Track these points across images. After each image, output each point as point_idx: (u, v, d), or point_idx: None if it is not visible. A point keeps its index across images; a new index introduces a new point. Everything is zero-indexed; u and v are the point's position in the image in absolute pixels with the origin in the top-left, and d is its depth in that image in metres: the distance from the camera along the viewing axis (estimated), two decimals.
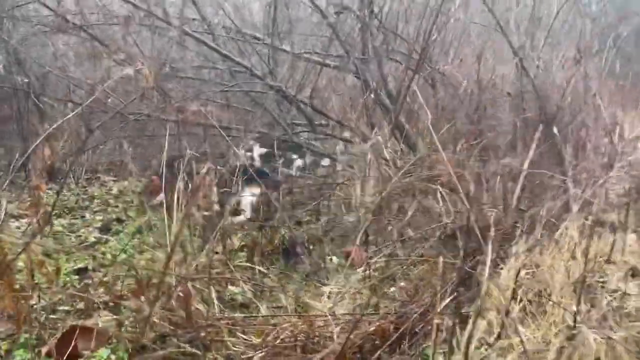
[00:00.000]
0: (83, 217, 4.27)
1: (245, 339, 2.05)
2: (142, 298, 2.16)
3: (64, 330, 2.17)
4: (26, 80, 4.62)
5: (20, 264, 2.67)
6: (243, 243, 3.27)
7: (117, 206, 4.52)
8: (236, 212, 3.61)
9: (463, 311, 2.08)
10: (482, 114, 4.99)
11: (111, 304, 2.57)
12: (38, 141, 1.98)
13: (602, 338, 1.99)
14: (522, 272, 2.49)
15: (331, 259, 3.09)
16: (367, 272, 2.71)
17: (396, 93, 4.46)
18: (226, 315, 2.23)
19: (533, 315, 2.35)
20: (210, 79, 4.85)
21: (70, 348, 2.09)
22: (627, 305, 2.38)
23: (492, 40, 5.73)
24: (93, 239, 3.71)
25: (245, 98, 4.64)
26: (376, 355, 1.86)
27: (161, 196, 3.74)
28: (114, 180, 5.44)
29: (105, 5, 4.02)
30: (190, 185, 2.29)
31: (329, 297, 2.45)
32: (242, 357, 1.94)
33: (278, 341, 2.00)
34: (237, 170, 3.56)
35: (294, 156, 4.88)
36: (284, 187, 3.91)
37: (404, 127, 4.38)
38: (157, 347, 2.08)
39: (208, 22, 4.05)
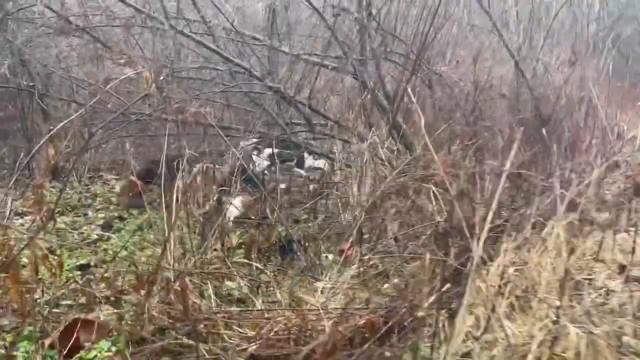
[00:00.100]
0: (85, 214, 4.35)
1: (241, 332, 2.14)
2: (142, 293, 2.25)
3: (67, 324, 2.26)
4: (31, 82, 4.71)
5: (25, 259, 2.77)
6: (241, 240, 3.35)
7: (118, 204, 4.60)
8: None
9: (451, 306, 2.15)
10: (478, 114, 5.06)
11: (112, 298, 2.66)
12: (42, 141, 2.05)
13: (583, 333, 2.07)
14: (511, 270, 2.58)
15: (326, 256, 3.17)
16: (361, 268, 2.79)
17: (393, 94, 4.54)
18: (222, 309, 2.31)
19: (521, 310, 2.43)
20: (211, 78, 4.93)
21: (72, 340, 2.18)
22: (610, 301, 2.45)
23: (489, 41, 5.81)
24: (95, 236, 3.79)
25: (245, 98, 4.73)
26: (365, 347, 1.94)
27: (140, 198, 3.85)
28: (116, 179, 5.53)
29: (108, 7, 4.10)
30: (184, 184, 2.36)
31: (322, 292, 2.54)
32: (237, 348, 2.02)
33: (272, 334, 2.08)
34: (236, 170, 3.64)
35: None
36: (275, 190, 3.98)
37: (401, 127, 4.46)
38: (156, 339, 2.16)
39: (208, 24, 4.12)
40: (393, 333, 2.12)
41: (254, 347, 2.02)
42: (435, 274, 2.28)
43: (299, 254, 3.11)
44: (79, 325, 2.21)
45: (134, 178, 4.13)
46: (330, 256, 3.16)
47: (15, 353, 2.18)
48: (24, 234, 2.06)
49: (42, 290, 2.56)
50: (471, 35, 5.92)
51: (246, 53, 4.50)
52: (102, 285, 2.78)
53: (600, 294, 2.54)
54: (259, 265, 2.82)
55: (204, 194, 3.03)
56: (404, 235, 3.10)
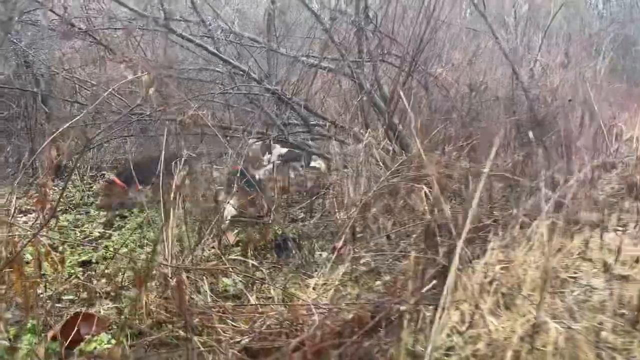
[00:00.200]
0: (87, 212, 4.46)
1: (234, 326, 2.23)
2: (141, 288, 2.34)
3: (68, 317, 2.35)
4: (34, 82, 4.81)
5: (28, 256, 2.87)
6: (238, 239, 3.45)
7: (129, 199, 4.69)
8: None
9: (437, 302, 2.23)
10: (474, 116, 5.15)
11: (112, 293, 2.76)
12: (47, 141, 2.15)
13: (562, 328, 2.15)
14: (497, 267, 2.67)
15: (320, 254, 3.26)
16: (353, 266, 2.88)
17: (389, 95, 4.62)
18: (217, 304, 2.40)
19: (505, 307, 2.52)
20: (211, 80, 5.02)
21: (74, 333, 2.27)
22: (591, 298, 2.54)
23: (486, 44, 5.89)
24: (97, 234, 3.89)
25: (244, 99, 4.81)
26: (352, 339, 2.03)
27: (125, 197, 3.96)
28: None
29: (110, 9, 4.19)
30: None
31: (314, 289, 2.63)
32: (231, 341, 2.12)
33: (264, 327, 2.18)
34: (236, 172, 3.72)
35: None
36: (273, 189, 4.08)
37: (397, 128, 4.55)
38: (153, 332, 2.26)
39: (208, 27, 4.21)
40: (380, 327, 2.20)
41: (247, 340, 2.11)
42: (423, 271, 2.36)
43: (294, 251, 3.20)
44: (79, 318, 2.30)
45: (115, 179, 4.26)
46: (324, 254, 3.25)
47: (18, 345, 2.27)
48: (28, 230, 2.15)
49: (45, 286, 2.66)
50: (468, 37, 5.99)
51: (245, 55, 4.59)
52: (103, 281, 2.88)
53: (584, 292, 2.62)
54: (254, 263, 2.91)
55: (202, 193, 3.12)
56: (395, 233, 3.19)
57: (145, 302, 2.32)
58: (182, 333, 2.16)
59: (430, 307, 2.31)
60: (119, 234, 3.85)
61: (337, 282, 2.61)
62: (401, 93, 3.85)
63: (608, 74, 8.66)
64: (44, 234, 2.37)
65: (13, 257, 1.96)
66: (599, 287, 2.62)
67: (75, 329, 2.26)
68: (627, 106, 7.73)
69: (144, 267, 2.10)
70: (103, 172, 5.80)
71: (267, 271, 2.95)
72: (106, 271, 2.93)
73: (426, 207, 3.08)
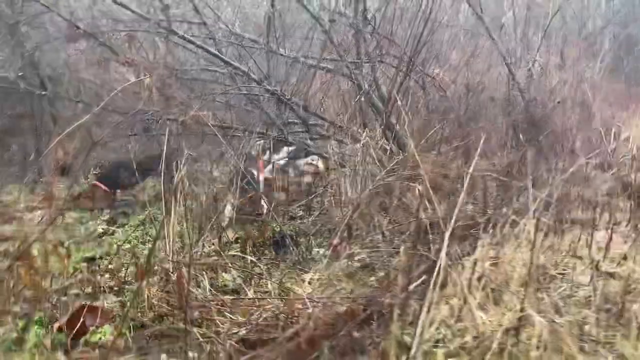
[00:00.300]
0: (91, 210, 4.55)
1: (232, 318, 2.33)
2: (143, 282, 2.45)
3: (74, 310, 2.46)
4: (40, 83, 4.91)
5: (34, 252, 2.98)
6: (237, 236, 3.55)
7: (123, 200, 4.80)
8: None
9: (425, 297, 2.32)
10: (471, 116, 5.23)
11: (116, 288, 2.87)
12: (55, 140, 2.25)
13: (546, 322, 2.24)
14: (486, 264, 2.76)
15: (318, 251, 3.36)
16: (348, 262, 2.98)
17: (387, 96, 4.71)
18: (216, 298, 2.51)
19: (494, 302, 2.61)
20: (212, 79, 5.11)
21: (79, 325, 2.38)
22: (577, 294, 2.63)
23: (483, 44, 5.95)
24: (101, 231, 4.00)
25: (245, 99, 4.91)
26: (344, 331, 2.13)
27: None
28: None
29: (110, 10, 4.29)
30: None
31: (309, 283, 2.73)
32: (229, 333, 2.22)
33: (261, 320, 2.28)
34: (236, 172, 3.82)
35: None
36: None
37: (395, 128, 4.64)
38: (155, 324, 2.36)
39: (209, 29, 4.31)
40: (372, 320, 2.30)
41: (244, 331, 2.22)
42: (410, 267, 2.46)
43: (291, 248, 3.30)
44: (84, 311, 2.41)
45: (97, 183, 4.36)
46: (321, 251, 3.34)
47: (26, 336, 2.38)
48: (37, 226, 2.25)
49: (51, 280, 2.76)
50: (465, 38, 6.07)
51: (245, 56, 4.69)
52: (107, 276, 2.99)
53: (571, 287, 2.71)
54: (252, 259, 3.01)
55: (203, 191, 3.22)
56: (390, 231, 3.28)
57: (147, 296, 2.42)
58: (182, 325, 2.26)
59: (419, 301, 2.41)
60: (122, 231, 3.95)
61: (332, 278, 2.70)
62: (396, 94, 3.93)
63: (609, 73, 8.72)
64: (51, 231, 2.47)
65: (22, 252, 2.06)
66: (585, 283, 2.70)
67: (81, 321, 2.36)
68: (627, 106, 7.77)
69: (146, 262, 2.19)
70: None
71: (265, 267, 3.04)
72: (110, 266, 3.03)
73: (419, 206, 3.16)
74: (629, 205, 4.25)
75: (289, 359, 2.02)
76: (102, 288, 2.84)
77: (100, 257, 3.42)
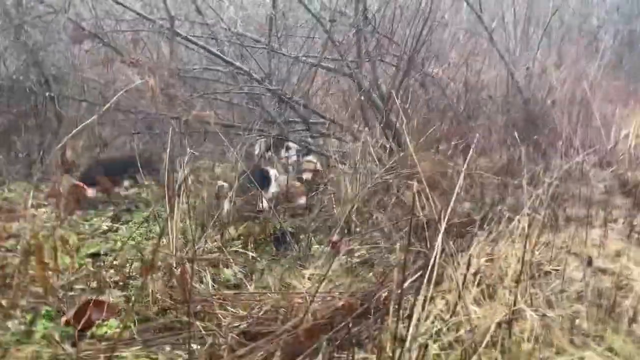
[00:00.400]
0: (96, 207, 4.64)
1: (234, 312, 2.41)
2: (147, 277, 2.52)
3: (80, 304, 2.53)
4: (44, 81, 4.99)
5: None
6: (239, 233, 3.63)
7: (126, 197, 4.88)
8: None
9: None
10: (470, 114, 5.29)
11: (120, 283, 2.95)
12: (64, 141, 2.32)
13: (538, 316, 2.31)
14: (482, 260, 2.83)
15: (318, 248, 3.43)
16: (348, 258, 3.05)
17: (387, 94, 4.77)
18: (218, 292, 2.58)
19: (489, 297, 2.68)
20: (214, 78, 5.18)
21: (85, 318, 2.45)
22: (570, 289, 2.69)
23: (483, 43, 6.00)
24: (105, 227, 4.08)
25: (246, 98, 4.98)
26: (342, 324, 2.20)
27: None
28: None
29: (117, 12, 4.36)
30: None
31: (309, 279, 2.80)
32: (230, 326, 2.29)
33: (261, 313, 2.36)
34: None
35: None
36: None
37: (394, 127, 4.70)
38: (159, 318, 2.44)
39: (211, 29, 4.37)
40: (369, 314, 2.37)
41: (245, 324, 2.29)
42: (405, 263, 2.52)
43: (292, 245, 3.38)
44: (91, 305, 2.48)
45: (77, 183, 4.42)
46: (321, 247, 3.42)
47: (34, 329, 2.46)
48: (46, 223, 2.33)
49: (57, 276, 2.84)
50: (465, 37, 6.12)
51: (247, 55, 4.75)
52: (112, 271, 3.07)
53: (564, 283, 2.77)
54: (254, 255, 3.09)
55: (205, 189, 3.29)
56: (389, 227, 3.35)
57: (152, 290, 2.50)
58: (185, 318, 2.34)
59: (415, 296, 2.48)
60: (125, 228, 4.03)
61: (331, 273, 2.77)
62: (394, 93, 3.99)
63: (610, 70, 8.73)
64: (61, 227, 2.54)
65: (36, 247, 2.13)
66: (578, 279, 2.77)
67: (87, 314, 2.43)
68: (627, 103, 7.79)
69: (151, 258, 2.27)
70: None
71: (266, 263, 3.12)
72: (114, 262, 3.11)
73: (416, 203, 3.23)
74: (626, 202, 4.31)
75: (288, 351, 2.09)
76: (107, 283, 2.91)
77: (105, 254, 3.49)
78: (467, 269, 2.52)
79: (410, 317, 2.38)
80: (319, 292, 2.40)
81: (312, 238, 3.48)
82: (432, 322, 2.40)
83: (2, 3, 4.25)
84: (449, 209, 2.07)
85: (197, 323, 2.25)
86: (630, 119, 6.88)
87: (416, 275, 2.47)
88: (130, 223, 4.16)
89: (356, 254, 3.28)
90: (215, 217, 3.13)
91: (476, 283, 2.65)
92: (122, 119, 4.23)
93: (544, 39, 7.24)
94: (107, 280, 2.93)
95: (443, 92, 5.12)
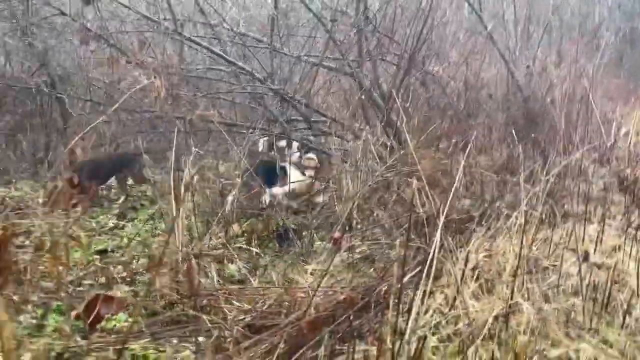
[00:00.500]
0: (101, 205, 4.71)
1: (239, 306, 2.48)
2: (155, 273, 2.60)
3: (90, 298, 2.61)
4: (50, 82, 5.06)
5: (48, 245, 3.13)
6: (243, 229, 3.70)
7: (132, 195, 4.96)
8: None
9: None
10: (470, 112, 5.35)
11: (128, 279, 3.03)
12: (75, 140, 2.39)
13: (535, 309, 2.38)
14: (480, 255, 2.89)
15: (320, 244, 3.50)
16: (348, 253, 3.12)
17: (388, 93, 4.83)
18: (223, 287, 2.66)
19: (487, 291, 2.74)
20: (217, 78, 5.25)
21: (95, 313, 2.53)
22: (566, 283, 2.76)
23: (483, 42, 6.05)
24: (111, 225, 4.15)
25: (249, 97, 5.04)
26: (344, 317, 2.27)
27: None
28: None
29: (122, 14, 4.43)
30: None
31: (311, 274, 2.87)
32: (235, 319, 2.37)
33: (265, 307, 2.43)
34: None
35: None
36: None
37: (395, 125, 4.76)
38: (166, 312, 2.52)
39: (214, 29, 4.44)
40: (370, 308, 2.44)
41: (250, 318, 2.36)
42: (405, 258, 2.59)
43: (294, 241, 3.45)
44: (100, 299, 2.56)
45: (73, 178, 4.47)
46: (323, 243, 3.49)
47: (45, 323, 2.54)
48: (57, 220, 2.40)
49: (67, 271, 2.91)
50: (465, 36, 6.16)
51: (249, 55, 4.82)
52: (119, 267, 3.15)
53: (560, 278, 2.84)
54: (257, 251, 3.16)
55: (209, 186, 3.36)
56: (389, 224, 3.42)
57: (159, 285, 2.57)
58: (191, 312, 2.41)
59: (414, 290, 2.54)
60: (131, 225, 4.11)
61: (332, 268, 2.84)
62: (395, 92, 4.05)
63: (612, 67, 8.76)
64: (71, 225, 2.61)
65: (52, 245, 2.21)
66: (575, 274, 2.83)
67: (96, 309, 2.51)
68: (628, 101, 7.82)
69: (160, 253, 2.34)
70: None
71: (269, 259, 3.19)
72: (122, 259, 3.19)
73: (416, 200, 3.29)
74: (624, 199, 4.36)
75: (292, 343, 2.16)
76: (114, 278, 2.99)
77: (112, 250, 3.57)
78: (466, 264, 2.59)
79: (409, 310, 2.46)
80: (321, 287, 2.47)
81: (315, 234, 3.55)
82: (431, 316, 2.47)
83: (9, 5, 4.32)
84: (448, 205, 2.13)
85: (204, 316, 2.32)
86: (630, 117, 6.92)
87: (416, 270, 2.53)
88: (135, 220, 4.24)
89: (357, 250, 3.35)
90: (220, 214, 3.20)
91: (474, 278, 2.72)
92: (128, 118, 4.29)
93: (544, 37, 7.28)
94: (115, 276, 3.01)
95: (443, 90, 5.18)
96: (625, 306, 2.58)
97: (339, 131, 4.77)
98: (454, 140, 4.48)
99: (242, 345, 2.15)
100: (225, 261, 3.03)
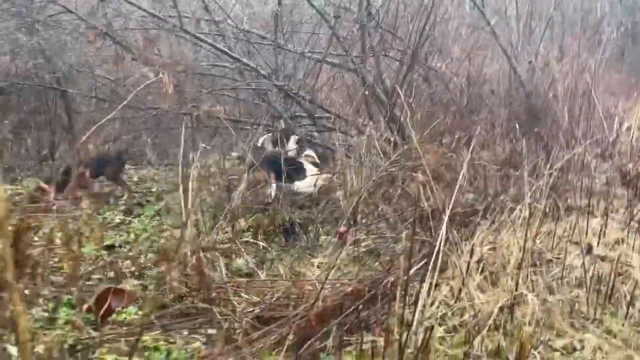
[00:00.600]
0: (108, 202, 4.75)
1: (247, 298, 2.52)
2: (164, 267, 2.63)
3: (100, 292, 2.65)
4: (55, 79, 5.09)
5: (57, 241, 3.17)
6: (249, 224, 3.74)
7: (137, 192, 5.00)
8: None
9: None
10: (473, 108, 5.37)
11: (136, 273, 3.06)
12: (86, 136, 2.43)
13: (539, 300, 2.42)
14: (485, 248, 2.92)
15: (325, 238, 3.54)
16: (354, 247, 3.16)
17: (391, 88, 4.85)
18: (232, 280, 2.69)
19: (492, 283, 2.78)
20: (222, 74, 5.27)
21: (105, 306, 2.56)
22: (570, 275, 2.79)
23: (486, 38, 6.06)
24: (118, 221, 4.19)
25: (253, 93, 5.07)
26: (351, 309, 2.30)
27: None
28: (133, 169, 5.92)
29: (127, 11, 4.45)
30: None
31: (318, 267, 2.91)
32: (244, 311, 2.40)
33: (274, 299, 2.47)
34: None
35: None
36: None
37: (399, 120, 4.78)
38: (175, 305, 2.56)
39: (219, 26, 4.47)
40: (377, 300, 2.48)
41: (259, 310, 2.40)
42: (411, 251, 2.63)
43: (300, 235, 3.48)
44: (110, 293, 2.59)
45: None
46: (329, 238, 3.52)
47: (57, 316, 2.58)
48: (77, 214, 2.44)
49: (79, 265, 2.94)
50: (468, 31, 6.18)
51: (254, 52, 4.84)
52: (127, 262, 3.18)
53: (564, 270, 2.87)
54: (264, 245, 3.20)
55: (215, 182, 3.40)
56: (394, 218, 3.45)
57: (168, 279, 2.60)
58: (200, 305, 2.45)
59: (420, 282, 2.58)
60: (138, 221, 4.14)
61: (338, 262, 2.88)
62: (398, 88, 4.08)
63: (614, 62, 8.76)
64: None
65: (67, 239, 2.25)
66: (578, 265, 2.86)
67: (107, 302, 2.54)
68: (630, 96, 7.82)
69: (171, 247, 2.38)
70: None
71: (276, 253, 3.23)
72: (130, 253, 3.23)
73: (421, 194, 3.33)
74: (627, 193, 4.39)
75: (301, 334, 2.20)
76: (123, 273, 3.03)
77: (120, 245, 3.61)
78: (471, 256, 2.62)
79: (416, 302, 2.49)
80: (328, 279, 2.50)
81: (320, 229, 3.59)
82: (437, 307, 2.51)
83: (14, 3, 4.35)
84: (453, 199, 2.17)
85: (214, 309, 2.36)
86: (632, 112, 6.93)
87: (421, 263, 2.57)
88: (142, 216, 4.27)
89: (362, 244, 3.38)
90: (226, 208, 3.23)
91: (479, 270, 2.75)
92: (134, 116, 4.32)
93: (546, 33, 7.28)
94: (124, 270, 3.05)
95: (446, 86, 5.20)
96: (628, 297, 2.62)
97: (343, 127, 4.79)
98: (457, 136, 4.51)
99: (252, 336, 2.19)
100: (233, 255, 3.06)
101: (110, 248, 3.57)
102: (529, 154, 4.42)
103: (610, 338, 2.37)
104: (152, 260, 3.08)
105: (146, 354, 2.24)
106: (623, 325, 2.48)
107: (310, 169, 4.29)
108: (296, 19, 5.08)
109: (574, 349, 2.29)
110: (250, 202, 3.91)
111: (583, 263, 2.74)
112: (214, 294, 2.51)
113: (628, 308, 2.57)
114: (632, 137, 5.67)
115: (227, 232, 3.41)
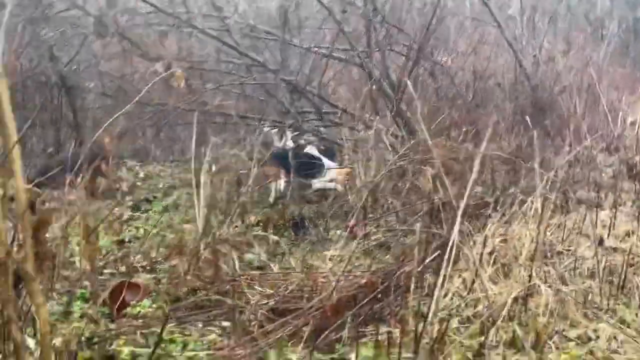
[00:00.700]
0: (115, 198, 4.75)
1: (261, 291, 2.53)
2: (179, 260, 2.65)
3: (114, 285, 2.66)
4: (60, 76, 5.09)
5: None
6: (259, 219, 3.75)
7: (144, 188, 5.01)
8: None
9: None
10: (479, 102, 5.37)
11: (148, 267, 3.08)
12: (97, 134, 2.44)
13: (553, 291, 2.42)
14: (497, 240, 2.93)
15: (335, 232, 3.55)
16: (364, 240, 3.17)
17: (397, 83, 4.84)
18: (245, 273, 2.71)
19: (505, 275, 2.78)
20: (229, 69, 5.27)
21: (120, 299, 2.58)
22: (582, 266, 2.80)
23: (491, 32, 6.06)
24: (126, 216, 4.20)
25: (261, 88, 5.07)
26: (366, 300, 2.31)
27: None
28: (139, 165, 5.93)
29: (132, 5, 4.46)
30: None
31: (330, 260, 2.92)
32: (259, 303, 2.41)
33: (287, 292, 2.47)
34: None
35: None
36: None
37: (405, 115, 4.78)
38: (189, 297, 2.57)
39: (226, 22, 4.46)
40: (390, 292, 2.48)
41: (273, 302, 2.41)
42: (427, 244, 2.64)
43: (310, 230, 3.49)
44: (125, 287, 2.61)
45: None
46: (339, 232, 3.53)
47: (72, 309, 2.59)
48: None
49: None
50: (473, 26, 6.17)
51: (260, 47, 4.84)
52: (139, 256, 3.20)
53: (576, 261, 2.87)
54: (276, 238, 3.21)
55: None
56: (403, 212, 3.46)
57: (181, 272, 2.62)
58: (214, 297, 2.46)
59: (433, 274, 2.59)
60: (146, 216, 4.16)
61: (350, 255, 2.88)
62: (408, 81, 4.08)
63: (617, 57, 8.75)
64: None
65: (90, 232, 2.27)
66: (590, 257, 2.87)
67: (122, 295, 2.56)
68: (634, 90, 7.82)
69: (183, 240, 2.39)
70: (125, 160, 6.10)
71: (286, 247, 3.24)
72: (141, 248, 3.24)
73: (431, 188, 3.33)
74: (634, 186, 4.39)
75: (316, 325, 2.21)
76: (135, 267, 3.04)
77: (129, 240, 3.62)
78: (483, 248, 2.63)
79: (432, 293, 2.50)
80: (342, 272, 2.51)
81: (329, 223, 3.59)
82: (451, 299, 2.52)
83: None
84: (468, 191, 2.17)
85: (229, 301, 2.37)
86: (636, 106, 6.92)
87: (434, 255, 2.58)
88: (149, 212, 4.29)
89: (372, 238, 3.39)
90: (237, 203, 3.24)
91: (492, 262, 2.75)
92: (140, 111, 4.32)
93: (550, 27, 7.28)
94: (135, 264, 3.06)
95: (452, 80, 5.20)
96: None
97: (350, 122, 4.79)
98: (463, 130, 4.51)
99: (268, 328, 2.20)
100: (245, 248, 3.07)
101: (120, 243, 3.59)
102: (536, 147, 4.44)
103: (625, 328, 2.37)
104: (164, 255, 3.09)
105: (162, 345, 2.24)
106: (637, 315, 2.49)
107: (328, 164, 4.29)
108: (302, 14, 5.08)
109: (589, 339, 2.30)
110: (259, 197, 3.92)
111: (595, 254, 2.75)
112: (227, 287, 2.51)
113: None
114: (637, 131, 5.67)
115: (237, 227, 3.42)
